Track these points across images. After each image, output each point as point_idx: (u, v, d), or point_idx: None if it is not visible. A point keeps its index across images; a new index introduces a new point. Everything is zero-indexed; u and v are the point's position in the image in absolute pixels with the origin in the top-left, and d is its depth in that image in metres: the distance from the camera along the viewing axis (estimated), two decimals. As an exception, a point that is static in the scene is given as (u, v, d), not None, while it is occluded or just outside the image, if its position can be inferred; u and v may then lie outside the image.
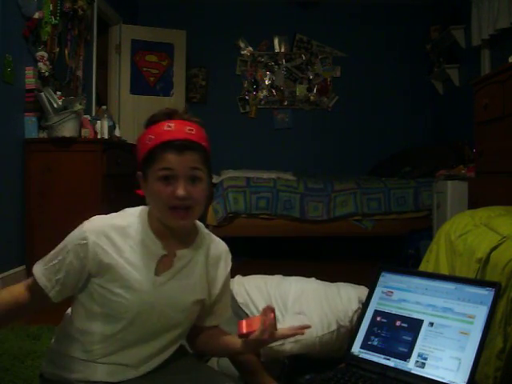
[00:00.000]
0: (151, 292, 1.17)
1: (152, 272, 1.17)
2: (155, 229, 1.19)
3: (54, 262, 1.16)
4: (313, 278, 1.89)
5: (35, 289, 1.18)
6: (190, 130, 1.16)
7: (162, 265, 1.19)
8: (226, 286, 1.33)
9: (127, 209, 1.26)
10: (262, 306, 1.77)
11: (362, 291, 1.71)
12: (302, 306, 1.71)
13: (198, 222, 1.29)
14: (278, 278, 1.91)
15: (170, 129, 1.14)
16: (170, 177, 1.12)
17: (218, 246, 1.32)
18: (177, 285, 1.20)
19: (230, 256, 1.34)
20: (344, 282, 1.89)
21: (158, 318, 1.19)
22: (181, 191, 1.11)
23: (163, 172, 1.12)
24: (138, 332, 1.19)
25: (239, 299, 1.82)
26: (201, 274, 1.25)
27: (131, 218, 1.21)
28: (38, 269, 1.18)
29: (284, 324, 1.62)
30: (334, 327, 1.64)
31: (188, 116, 1.20)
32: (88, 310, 1.19)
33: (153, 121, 1.17)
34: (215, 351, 1.40)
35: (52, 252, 1.19)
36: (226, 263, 1.32)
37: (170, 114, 1.18)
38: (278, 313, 1.74)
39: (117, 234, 1.17)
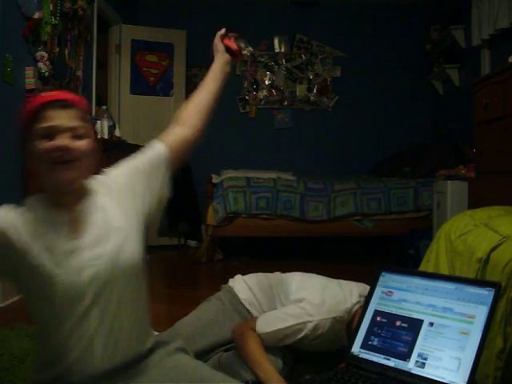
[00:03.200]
0: (75, 257, 1.15)
1: (66, 239, 1.16)
2: (51, 200, 1.21)
3: None
4: (314, 274, 1.90)
5: None
6: (67, 95, 1.21)
7: (73, 227, 1.19)
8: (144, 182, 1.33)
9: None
10: (264, 302, 1.78)
11: (364, 287, 1.72)
12: (303, 294, 1.72)
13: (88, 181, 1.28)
14: (278, 274, 1.93)
15: (52, 93, 1.19)
16: (52, 134, 1.13)
17: (106, 175, 1.34)
18: (93, 237, 1.19)
19: (113, 170, 1.36)
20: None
21: (94, 276, 1.15)
22: (62, 140, 1.13)
23: (45, 130, 1.13)
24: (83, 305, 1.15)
25: (241, 295, 1.83)
26: (109, 211, 1.24)
27: (28, 205, 1.22)
28: None
29: (287, 310, 1.67)
30: (332, 315, 1.64)
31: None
32: (35, 302, 1.18)
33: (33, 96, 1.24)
34: (204, 98, 1.60)
35: None
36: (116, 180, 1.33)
37: (47, 90, 1.27)
38: (279, 305, 1.74)
39: (21, 219, 1.17)
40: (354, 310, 1.67)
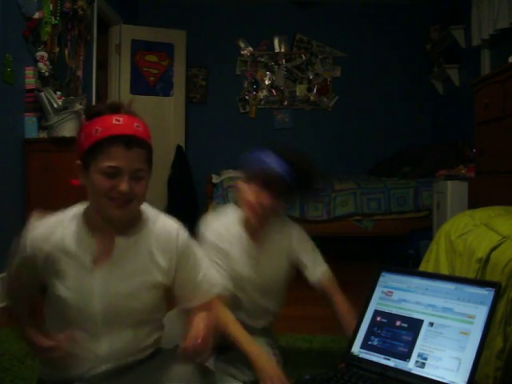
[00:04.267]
0: (90, 283, 1.17)
1: (89, 265, 1.17)
2: (91, 222, 1.20)
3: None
4: None
5: None
6: (137, 125, 1.16)
7: (101, 257, 1.18)
8: (185, 266, 1.27)
9: (68, 208, 1.27)
10: None
11: None
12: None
13: (144, 208, 1.27)
14: None
15: (119, 123, 1.13)
16: (114, 173, 1.12)
17: (165, 227, 1.27)
18: (119, 274, 1.19)
19: (181, 234, 1.28)
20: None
21: (106, 307, 1.18)
22: (124, 186, 1.12)
23: (109, 169, 1.12)
24: (97, 326, 1.18)
25: None
26: (145, 258, 1.22)
27: (69, 216, 1.23)
28: None
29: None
30: None
31: (133, 111, 1.20)
32: (49, 311, 1.23)
33: (96, 112, 1.16)
34: None
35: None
36: (177, 240, 1.26)
37: (115, 108, 1.16)
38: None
39: (58, 231, 1.18)
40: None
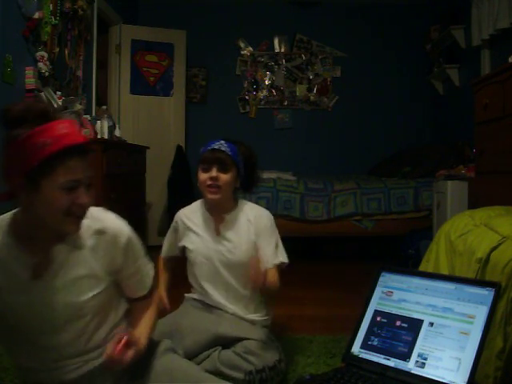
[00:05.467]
0: (34, 296, 1.15)
1: (29, 279, 1.14)
2: (25, 235, 1.13)
3: None
4: None
5: None
6: (79, 130, 1.13)
7: (40, 268, 1.15)
8: (126, 258, 1.26)
9: None
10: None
11: None
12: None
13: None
14: None
15: (67, 131, 1.04)
16: (73, 187, 1.06)
17: (106, 226, 1.23)
18: (62, 282, 1.17)
19: (118, 229, 1.25)
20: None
21: (54, 317, 1.17)
22: (85, 199, 1.08)
23: (70, 183, 1.05)
24: (41, 331, 1.18)
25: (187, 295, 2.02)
26: (87, 262, 1.20)
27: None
28: None
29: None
30: None
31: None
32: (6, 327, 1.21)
33: (21, 119, 1.02)
34: None
35: None
36: (119, 238, 1.24)
37: (49, 114, 1.05)
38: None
39: None
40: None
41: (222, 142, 1.85)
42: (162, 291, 1.93)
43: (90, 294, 1.19)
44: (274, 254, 1.80)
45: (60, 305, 1.16)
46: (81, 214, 1.11)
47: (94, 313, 1.22)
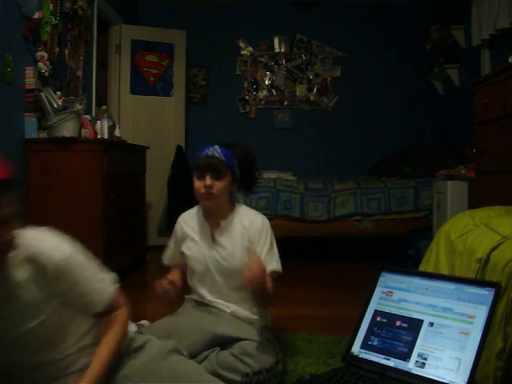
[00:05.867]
0: None
1: None
2: None
3: None
4: None
5: None
6: (4, 164, 1.07)
7: None
8: (67, 284, 1.21)
9: None
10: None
11: None
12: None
13: (21, 234, 1.15)
14: None
15: None
16: None
17: (37, 252, 1.17)
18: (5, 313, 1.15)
19: (52, 255, 1.17)
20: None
21: (8, 348, 1.17)
22: (8, 236, 1.05)
23: None
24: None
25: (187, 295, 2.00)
26: (21, 295, 1.15)
27: None
28: None
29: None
30: None
31: None
32: None
33: None
34: None
35: None
36: (49, 267, 1.17)
37: None
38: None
39: None
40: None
41: (216, 147, 1.84)
42: (173, 276, 1.83)
43: (31, 324, 1.16)
44: (266, 262, 1.74)
45: (4, 335, 1.15)
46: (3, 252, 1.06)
47: (46, 335, 1.19)
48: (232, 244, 1.84)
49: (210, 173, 1.78)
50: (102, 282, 1.29)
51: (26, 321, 1.15)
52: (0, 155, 1.05)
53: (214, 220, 1.87)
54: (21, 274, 1.14)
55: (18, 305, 1.14)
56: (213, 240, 1.86)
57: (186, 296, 1.99)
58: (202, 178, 1.79)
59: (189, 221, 1.93)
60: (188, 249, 1.89)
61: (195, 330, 1.76)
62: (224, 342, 1.73)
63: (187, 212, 1.98)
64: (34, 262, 1.15)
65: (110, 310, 1.31)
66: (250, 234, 1.84)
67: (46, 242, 1.19)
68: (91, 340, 1.29)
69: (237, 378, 1.60)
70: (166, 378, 1.30)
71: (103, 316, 1.30)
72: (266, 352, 1.68)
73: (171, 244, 1.99)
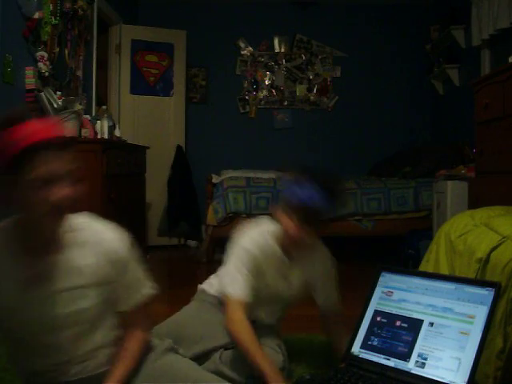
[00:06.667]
0: (26, 307, 1.15)
1: (20, 287, 1.14)
2: (21, 240, 1.13)
3: None
4: None
5: None
6: (56, 127, 1.09)
7: (32, 278, 1.14)
8: (120, 270, 1.23)
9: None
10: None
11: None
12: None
13: (75, 217, 1.19)
14: None
15: (36, 129, 1.04)
16: (50, 181, 1.03)
17: (97, 236, 1.21)
18: (51, 293, 1.15)
19: (114, 240, 1.22)
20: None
21: (47, 330, 1.17)
22: (67, 192, 1.05)
23: (44, 177, 1.02)
24: (38, 341, 1.18)
25: (206, 287, 1.87)
26: (80, 274, 1.17)
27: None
28: None
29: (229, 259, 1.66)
30: (260, 229, 1.69)
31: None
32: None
33: (7, 122, 1.04)
34: None
35: None
36: (111, 249, 1.21)
37: (21, 116, 1.06)
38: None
39: None
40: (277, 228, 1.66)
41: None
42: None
43: (81, 305, 1.18)
44: None
45: (49, 315, 1.15)
46: (60, 209, 1.06)
47: (86, 321, 1.21)
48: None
49: (313, 225, 1.60)
50: (144, 280, 1.32)
51: (73, 302, 1.17)
52: (51, 120, 1.07)
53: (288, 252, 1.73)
54: (77, 255, 1.16)
55: (69, 285, 1.16)
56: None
57: (200, 286, 1.90)
58: (303, 226, 1.58)
59: (261, 242, 1.70)
60: None
61: (207, 335, 1.71)
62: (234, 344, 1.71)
63: (253, 230, 1.72)
64: (93, 247, 1.18)
65: (138, 312, 1.31)
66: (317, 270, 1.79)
67: (109, 231, 1.23)
68: (110, 342, 1.29)
69: (240, 379, 1.59)
70: (161, 376, 1.30)
71: (130, 317, 1.30)
72: (273, 356, 1.65)
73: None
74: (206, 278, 1.98)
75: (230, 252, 1.66)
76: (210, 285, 1.87)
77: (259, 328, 1.66)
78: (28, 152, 1.00)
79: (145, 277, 1.33)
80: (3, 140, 1.02)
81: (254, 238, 1.66)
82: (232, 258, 1.64)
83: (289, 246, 1.67)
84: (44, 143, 1.02)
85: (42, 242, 1.14)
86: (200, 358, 1.65)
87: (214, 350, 1.69)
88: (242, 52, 5.72)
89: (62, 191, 1.04)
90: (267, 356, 1.52)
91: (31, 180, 1.01)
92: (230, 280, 1.61)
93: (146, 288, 1.32)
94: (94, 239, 1.19)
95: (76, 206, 1.11)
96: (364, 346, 1.35)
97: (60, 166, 1.04)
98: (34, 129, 1.03)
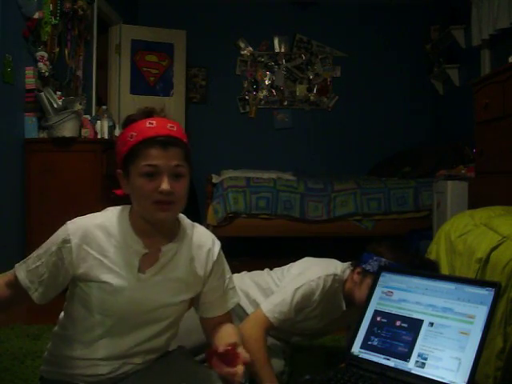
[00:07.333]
0: (137, 289, 1.19)
1: (135, 269, 1.19)
2: (137, 227, 1.21)
3: (37, 264, 1.17)
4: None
5: (18, 289, 1.19)
6: (171, 126, 1.18)
7: (147, 262, 1.20)
8: (216, 275, 1.32)
9: (109, 208, 1.26)
10: (260, 299, 1.77)
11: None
12: (301, 270, 1.74)
13: (181, 215, 1.29)
14: (277, 269, 1.91)
15: (152, 125, 1.16)
16: (154, 173, 1.13)
17: (201, 237, 1.31)
18: (162, 279, 1.22)
19: (216, 244, 1.33)
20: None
21: (147, 312, 1.22)
22: (165, 186, 1.12)
23: (147, 168, 1.13)
24: (128, 325, 1.22)
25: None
26: (186, 266, 1.26)
27: (113, 217, 1.22)
28: (22, 270, 1.19)
29: (287, 283, 1.68)
30: (327, 272, 1.68)
31: (165, 114, 1.23)
32: (79, 310, 1.22)
33: (131, 120, 1.19)
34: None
35: (35, 253, 1.20)
36: (211, 252, 1.31)
37: (148, 113, 1.20)
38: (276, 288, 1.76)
39: (100, 233, 1.18)
40: (346, 272, 1.71)
41: None
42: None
43: (179, 298, 1.25)
44: None
45: (150, 301, 1.21)
46: (165, 201, 1.14)
47: (173, 317, 1.27)
48: None
49: None
50: (233, 288, 1.38)
51: (179, 293, 1.25)
52: (166, 117, 1.22)
53: None
54: (190, 250, 1.27)
55: (179, 275, 1.24)
56: None
57: None
58: None
59: None
60: None
61: (198, 329, 1.72)
62: None
63: None
64: (200, 245, 1.29)
65: (226, 318, 1.35)
66: None
67: (208, 232, 1.35)
68: (165, 348, 1.33)
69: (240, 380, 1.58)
70: (164, 373, 1.29)
71: (216, 322, 1.33)
72: (274, 360, 1.63)
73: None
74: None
75: (295, 276, 1.69)
76: (237, 285, 1.85)
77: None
78: (137, 147, 1.14)
79: (233, 285, 1.39)
80: (126, 133, 1.17)
81: (321, 280, 1.66)
82: (293, 285, 1.64)
83: (350, 300, 1.69)
84: (149, 140, 1.14)
85: (154, 229, 1.21)
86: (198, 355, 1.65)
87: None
88: (242, 52, 5.72)
89: (162, 186, 1.13)
90: (273, 376, 1.52)
91: (136, 172, 1.14)
92: (276, 300, 1.62)
93: (235, 296, 1.39)
94: (200, 238, 1.30)
95: (183, 201, 1.19)
96: (364, 346, 1.35)
97: (159, 160, 1.13)
98: (148, 126, 1.16)
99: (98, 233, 1.18)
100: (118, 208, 1.25)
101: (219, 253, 1.33)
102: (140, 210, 1.18)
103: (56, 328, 1.29)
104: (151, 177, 1.13)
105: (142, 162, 1.13)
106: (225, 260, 1.36)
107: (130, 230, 1.20)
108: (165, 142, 1.14)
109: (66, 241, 1.15)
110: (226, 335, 1.28)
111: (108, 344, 1.21)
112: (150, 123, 1.16)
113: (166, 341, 1.31)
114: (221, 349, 1.12)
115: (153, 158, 1.13)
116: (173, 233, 1.25)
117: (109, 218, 1.21)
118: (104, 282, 1.16)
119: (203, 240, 1.31)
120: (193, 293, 1.29)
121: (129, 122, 1.19)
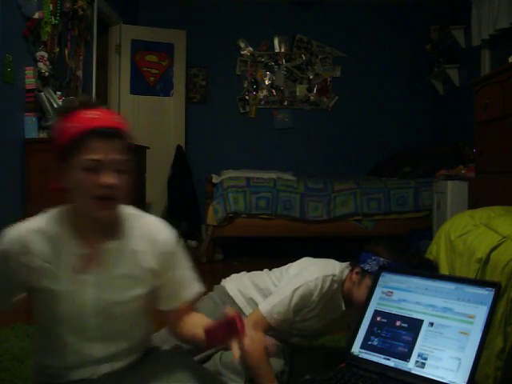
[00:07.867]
0: (82, 291, 1.14)
1: (76, 272, 1.14)
2: (77, 226, 1.16)
3: None
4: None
5: None
6: (116, 118, 1.13)
7: (90, 262, 1.15)
8: (170, 265, 1.25)
9: (50, 210, 1.21)
10: (260, 299, 1.76)
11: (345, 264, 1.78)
12: (298, 271, 1.74)
13: (126, 206, 1.23)
14: (275, 270, 1.90)
15: (97, 116, 1.09)
16: (98, 167, 1.07)
17: (149, 228, 1.24)
18: (108, 277, 1.17)
19: (166, 233, 1.25)
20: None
21: (100, 312, 1.16)
22: (109, 179, 1.08)
23: (91, 163, 1.07)
24: (90, 329, 1.17)
25: (232, 293, 1.82)
26: (132, 261, 1.19)
27: (51, 219, 1.17)
28: None
29: (285, 283, 1.68)
30: (325, 273, 1.68)
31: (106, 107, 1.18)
32: (38, 320, 1.20)
33: (71, 109, 1.12)
34: (184, 338, 1.34)
35: None
36: (161, 243, 1.23)
37: (86, 104, 1.12)
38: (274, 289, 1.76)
39: (38, 238, 1.14)
40: (344, 272, 1.71)
41: None
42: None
43: (130, 294, 1.19)
44: None
45: (99, 300, 1.16)
46: (106, 196, 1.09)
47: (135, 314, 1.22)
48: None
49: None
50: (193, 278, 1.31)
51: (129, 289, 1.19)
52: (110, 109, 1.15)
53: None
54: (132, 243, 1.19)
55: (126, 271, 1.18)
56: None
57: (216, 286, 1.90)
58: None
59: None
60: None
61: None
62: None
63: None
64: (146, 236, 1.21)
65: (187, 309, 1.30)
66: None
67: (156, 221, 1.26)
68: (141, 347, 1.28)
69: (239, 381, 1.58)
70: (163, 375, 1.29)
71: (177, 314, 1.29)
72: (274, 359, 1.63)
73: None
74: (205, 278, 1.96)
75: (293, 276, 1.69)
76: (237, 291, 1.84)
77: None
78: (80, 138, 1.07)
79: (193, 274, 1.32)
80: (63, 124, 1.10)
81: (319, 280, 1.66)
82: (291, 285, 1.65)
83: (349, 300, 1.69)
84: (92, 132, 1.07)
85: (95, 227, 1.16)
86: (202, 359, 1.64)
87: (216, 350, 1.68)
88: (242, 52, 5.72)
89: (105, 179, 1.07)
90: (273, 377, 1.52)
91: (77, 165, 1.07)
92: (274, 300, 1.62)
93: (196, 285, 1.32)
94: (147, 229, 1.22)
95: (124, 196, 1.14)
96: (364, 346, 1.35)
97: (103, 154, 1.07)
98: (95, 115, 1.09)
99: (35, 238, 1.13)
100: (57, 209, 1.19)
101: (171, 242, 1.25)
102: (79, 206, 1.13)
103: (34, 337, 1.30)
104: (94, 171, 1.07)
105: (85, 155, 1.06)
106: (181, 249, 1.29)
107: (69, 231, 1.15)
108: (110, 134, 1.09)
109: (3, 252, 1.14)
110: (199, 320, 1.26)
111: (78, 350, 1.17)
112: (93, 114, 1.10)
113: (139, 339, 1.26)
114: (230, 315, 1.11)
115: (97, 151, 1.06)
116: (115, 228, 1.19)
117: (46, 221, 1.17)
118: (47, 289, 1.12)
119: (151, 231, 1.23)
120: (146, 287, 1.21)
121: (67, 110, 1.12)
